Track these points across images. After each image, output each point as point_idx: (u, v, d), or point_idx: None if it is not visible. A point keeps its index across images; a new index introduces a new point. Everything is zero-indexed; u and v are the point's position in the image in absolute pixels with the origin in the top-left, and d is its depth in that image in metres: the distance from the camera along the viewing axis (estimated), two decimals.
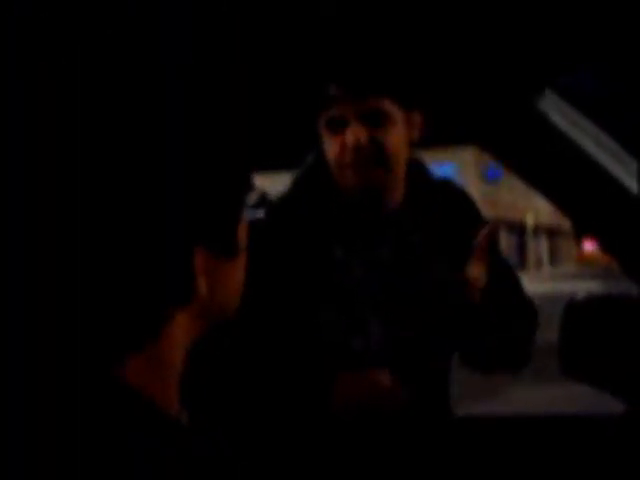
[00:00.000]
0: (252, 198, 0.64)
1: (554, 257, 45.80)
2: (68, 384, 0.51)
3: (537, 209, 37.80)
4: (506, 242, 36.24)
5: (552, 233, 43.57)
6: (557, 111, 1.33)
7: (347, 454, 1.33)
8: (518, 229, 37.87)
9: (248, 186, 0.62)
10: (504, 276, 1.43)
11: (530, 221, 38.69)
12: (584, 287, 19.58)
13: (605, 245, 1.47)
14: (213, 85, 0.57)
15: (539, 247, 42.84)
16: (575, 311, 1.48)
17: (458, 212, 1.46)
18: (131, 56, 0.52)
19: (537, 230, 40.83)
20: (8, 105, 0.49)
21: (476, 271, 1.32)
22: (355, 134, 1.29)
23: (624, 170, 1.37)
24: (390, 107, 1.31)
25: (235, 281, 0.63)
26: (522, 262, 38.95)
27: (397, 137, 1.33)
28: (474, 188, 30.86)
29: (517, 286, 1.48)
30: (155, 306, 0.54)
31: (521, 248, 38.99)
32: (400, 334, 1.35)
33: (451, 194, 1.48)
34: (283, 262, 1.36)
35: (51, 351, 0.51)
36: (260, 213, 1.38)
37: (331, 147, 1.34)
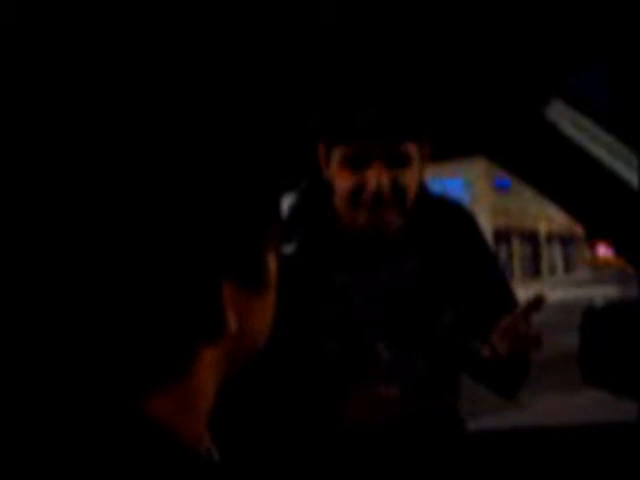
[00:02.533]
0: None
1: (568, 263, 45.48)
2: (94, 419, 0.50)
3: (550, 216, 37.59)
4: (519, 250, 36.01)
5: (565, 239, 43.32)
6: (566, 119, 1.33)
7: (357, 472, 1.33)
8: (531, 237, 37.66)
9: (276, 217, 0.61)
10: (497, 289, 1.43)
11: (543, 229, 38.45)
12: (600, 292, 19.40)
13: (619, 249, 1.46)
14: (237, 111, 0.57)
15: (553, 254, 42.56)
16: (594, 318, 1.47)
17: (455, 228, 1.44)
18: (132, 61, 0.51)
19: (550, 237, 40.58)
20: (8, 105, 0.49)
21: (499, 345, 1.26)
22: (378, 177, 1.26)
23: (636, 175, 1.37)
24: (411, 148, 1.29)
25: (265, 316, 0.62)
26: (536, 270, 38.69)
27: (414, 177, 1.31)
28: (486, 199, 30.71)
29: (510, 298, 1.47)
30: (183, 341, 0.53)
31: (535, 256, 38.74)
32: (407, 356, 1.35)
33: (448, 211, 1.46)
34: (285, 292, 1.29)
35: (77, 385, 0.50)
36: (289, 248, 1.35)
37: (346, 184, 1.29)
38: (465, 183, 29.92)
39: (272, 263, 0.61)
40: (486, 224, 30.82)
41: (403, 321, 1.36)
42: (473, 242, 1.45)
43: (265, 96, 0.62)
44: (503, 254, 33.98)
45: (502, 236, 33.29)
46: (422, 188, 1.44)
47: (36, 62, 0.49)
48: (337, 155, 1.30)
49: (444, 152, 1.45)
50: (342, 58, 1.30)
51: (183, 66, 0.55)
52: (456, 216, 1.46)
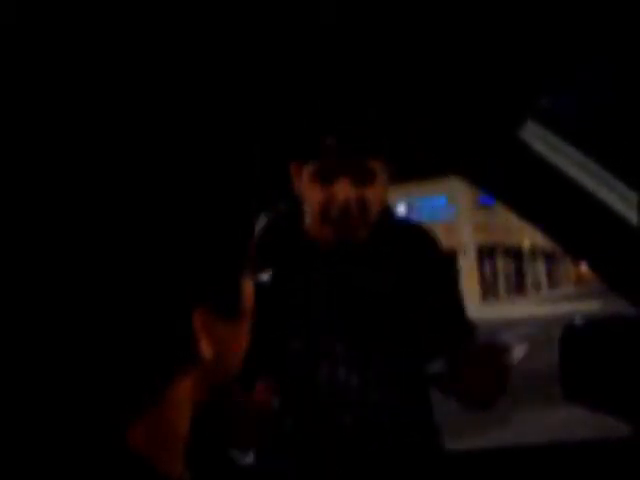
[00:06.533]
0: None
1: (552, 279, 45.75)
2: (71, 448, 0.50)
3: (533, 232, 37.77)
4: (504, 267, 36.16)
5: (549, 255, 43.60)
6: (539, 139, 1.35)
7: None
8: (515, 253, 37.85)
9: (249, 246, 0.61)
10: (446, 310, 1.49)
11: (526, 245, 38.69)
12: (584, 307, 19.49)
13: (594, 268, 1.48)
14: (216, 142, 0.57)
15: (537, 270, 42.81)
16: (573, 335, 1.48)
17: (417, 247, 1.50)
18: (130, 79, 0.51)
19: (534, 253, 40.83)
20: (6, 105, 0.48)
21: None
22: (345, 191, 1.33)
23: (610, 193, 1.39)
24: (376, 165, 1.36)
25: (240, 342, 0.61)
26: (520, 286, 38.85)
27: (379, 194, 1.39)
28: (470, 216, 30.86)
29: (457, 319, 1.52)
30: (157, 370, 0.53)
31: (519, 272, 38.92)
32: (365, 359, 1.38)
33: (411, 228, 1.53)
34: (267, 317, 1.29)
35: (54, 413, 0.50)
36: (264, 276, 1.40)
37: (315, 198, 1.37)
38: (449, 200, 30.09)
39: (247, 289, 0.61)
40: (470, 241, 30.98)
41: (366, 325, 1.41)
42: (432, 260, 1.51)
43: (240, 117, 0.63)
44: (487, 271, 34.12)
45: (486, 252, 33.44)
46: (387, 209, 1.52)
47: (36, 62, 0.49)
48: (307, 171, 1.38)
49: (425, 170, 1.47)
50: (314, 77, 1.33)
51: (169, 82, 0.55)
52: (418, 233, 1.53)
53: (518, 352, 1.30)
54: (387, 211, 1.51)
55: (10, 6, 0.49)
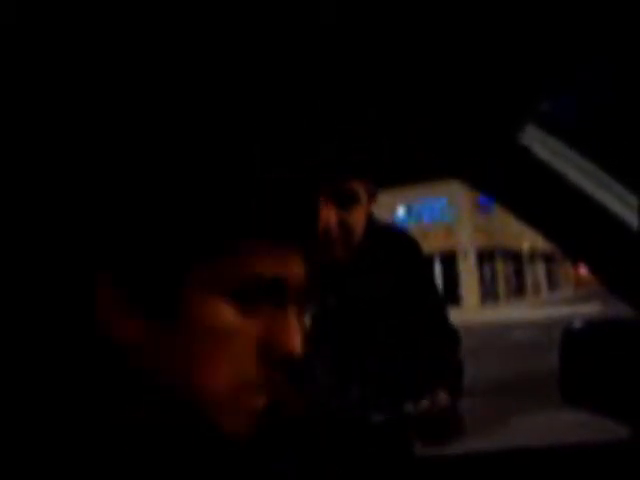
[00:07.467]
0: None
1: (552, 281, 45.75)
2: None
3: (533, 235, 37.77)
4: (503, 269, 36.16)
5: (549, 258, 43.60)
6: (539, 143, 1.35)
7: None
8: (514, 256, 37.85)
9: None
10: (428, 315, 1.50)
11: (526, 247, 38.70)
12: (583, 310, 19.52)
13: (594, 270, 1.48)
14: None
15: (536, 273, 42.80)
16: (573, 338, 1.48)
17: (399, 254, 1.49)
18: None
19: (533, 256, 40.83)
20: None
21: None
22: (326, 216, 1.29)
23: (611, 197, 1.39)
24: (358, 187, 1.33)
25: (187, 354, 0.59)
26: (520, 289, 38.85)
27: (362, 216, 1.36)
28: (469, 219, 30.85)
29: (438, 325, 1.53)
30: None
31: (518, 275, 38.91)
32: (346, 381, 1.37)
33: (393, 237, 1.51)
34: None
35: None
36: None
37: None
38: (449, 203, 30.10)
39: (206, 305, 0.56)
40: (470, 243, 30.98)
41: (349, 344, 1.39)
42: (413, 267, 1.50)
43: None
44: (487, 274, 34.13)
45: (486, 255, 33.44)
46: (370, 220, 1.48)
47: (36, 62, 0.49)
48: None
49: (425, 173, 1.46)
50: (313, 78, 1.31)
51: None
52: (400, 242, 1.51)
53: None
54: (370, 223, 1.47)
55: (10, 6, 0.49)
